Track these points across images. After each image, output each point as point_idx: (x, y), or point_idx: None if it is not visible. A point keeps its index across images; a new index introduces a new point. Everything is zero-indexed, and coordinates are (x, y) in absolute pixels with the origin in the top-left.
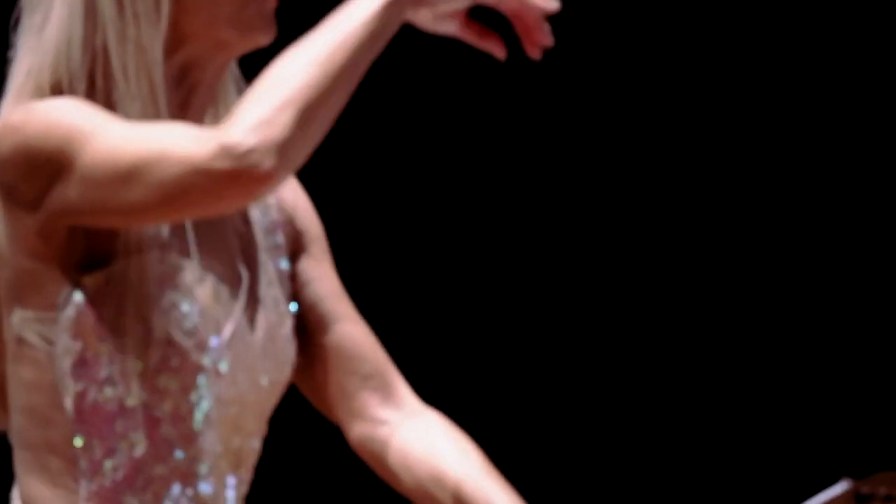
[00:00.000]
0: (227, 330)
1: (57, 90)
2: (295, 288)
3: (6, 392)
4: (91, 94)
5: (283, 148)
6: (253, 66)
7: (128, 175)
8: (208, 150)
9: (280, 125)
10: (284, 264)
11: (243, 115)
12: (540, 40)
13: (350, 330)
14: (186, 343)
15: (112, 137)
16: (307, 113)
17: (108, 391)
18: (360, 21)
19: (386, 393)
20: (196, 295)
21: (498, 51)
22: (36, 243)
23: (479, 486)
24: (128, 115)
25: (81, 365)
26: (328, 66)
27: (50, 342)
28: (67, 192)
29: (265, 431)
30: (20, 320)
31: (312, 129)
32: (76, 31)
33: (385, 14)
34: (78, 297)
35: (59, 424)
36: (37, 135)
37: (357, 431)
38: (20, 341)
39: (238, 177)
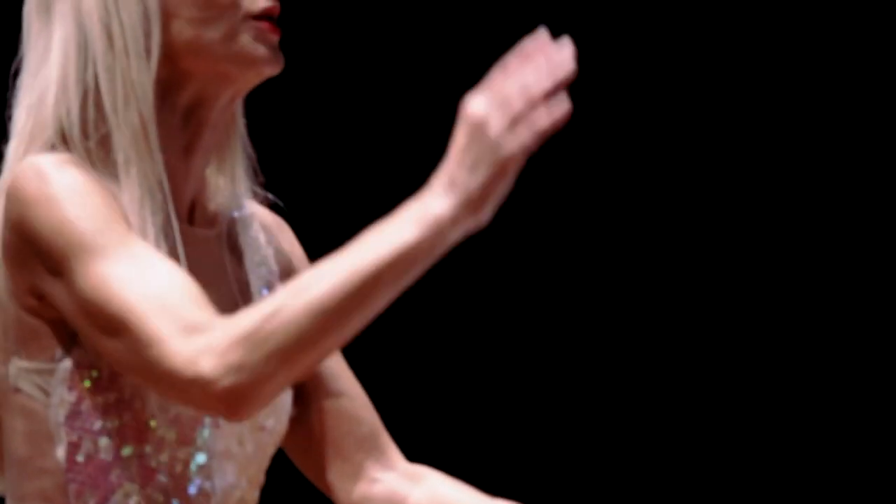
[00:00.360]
0: None
1: (57, 128)
2: None
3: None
4: (84, 127)
5: (258, 395)
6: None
7: (113, 330)
8: (189, 371)
9: (260, 376)
10: None
11: (231, 346)
12: None
13: (348, 390)
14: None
15: (113, 277)
16: (294, 363)
17: (104, 441)
18: (399, 251)
19: (380, 454)
20: None
21: None
22: (30, 300)
23: None
24: (119, 148)
25: (76, 416)
26: (340, 314)
27: (46, 393)
28: (59, 294)
29: (263, 481)
30: (17, 370)
31: (298, 372)
32: (70, 68)
33: (435, 243)
34: (75, 350)
35: (52, 475)
36: (43, 226)
37: (351, 493)
38: (16, 391)
39: (205, 404)
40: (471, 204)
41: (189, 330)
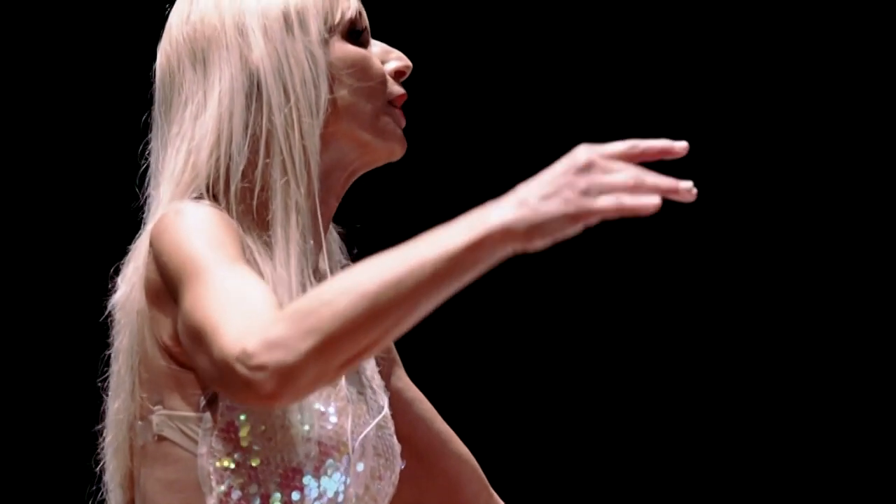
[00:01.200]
0: (365, 430)
1: (211, 174)
2: (399, 405)
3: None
4: (249, 174)
5: (290, 376)
6: None
7: (198, 338)
8: (235, 348)
9: (296, 353)
10: (376, 367)
11: (275, 323)
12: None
13: (464, 453)
14: (328, 443)
15: (209, 289)
16: (332, 345)
17: (253, 489)
18: (446, 251)
19: None
20: (333, 395)
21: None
22: (174, 346)
23: None
24: (286, 199)
25: (225, 466)
26: (378, 302)
27: (193, 441)
28: (178, 323)
29: None
30: (161, 419)
31: (334, 359)
32: (238, 116)
33: (482, 249)
34: (220, 400)
35: None
36: (168, 251)
37: None
38: (160, 440)
39: (244, 386)
40: (530, 229)
41: (247, 315)
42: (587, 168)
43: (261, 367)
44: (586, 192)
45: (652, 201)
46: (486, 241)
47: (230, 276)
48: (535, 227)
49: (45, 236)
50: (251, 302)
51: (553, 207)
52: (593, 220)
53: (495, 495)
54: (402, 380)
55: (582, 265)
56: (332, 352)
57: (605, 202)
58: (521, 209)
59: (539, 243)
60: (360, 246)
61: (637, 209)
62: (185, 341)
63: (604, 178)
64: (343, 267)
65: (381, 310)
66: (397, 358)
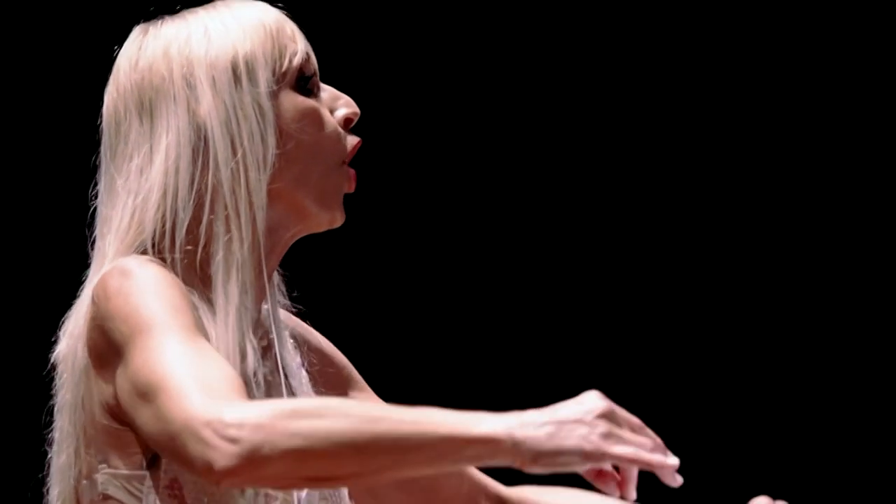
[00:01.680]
0: None
1: (156, 229)
2: None
3: None
4: (194, 230)
5: (258, 464)
6: None
7: (150, 395)
8: (209, 412)
9: (275, 445)
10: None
11: (264, 412)
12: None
13: None
14: (273, 493)
15: (166, 350)
16: (311, 457)
17: None
18: (455, 434)
19: (486, 488)
20: None
21: (614, 491)
22: (117, 408)
23: None
24: (227, 255)
25: None
26: (372, 443)
27: (138, 499)
28: (119, 381)
29: None
30: (105, 477)
31: (303, 471)
32: (184, 171)
33: (487, 447)
34: (163, 461)
35: None
36: (117, 315)
37: None
38: (105, 499)
39: (202, 450)
40: (541, 452)
41: (218, 397)
42: (610, 416)
43: (233, 440)
44: (607, 437)
45: (669, 461)
46: (495, 443)
47: (190, 341)
48: (545, 453)
49: None
50: (220, 373)
51: (571, 442)
52: (605, 463)
53: (479, 473)
54: (362, 394)
55: (577, 265)
56: (307, 463)
57: (623, 450)
58: (539, 431)
59: (539, 468)
60: (300, 288)
61: (651, 463)
62: (126, 397)
63: (625, 431)
64: (283, 307)
65: (372, 451)
66: (353, 375)
